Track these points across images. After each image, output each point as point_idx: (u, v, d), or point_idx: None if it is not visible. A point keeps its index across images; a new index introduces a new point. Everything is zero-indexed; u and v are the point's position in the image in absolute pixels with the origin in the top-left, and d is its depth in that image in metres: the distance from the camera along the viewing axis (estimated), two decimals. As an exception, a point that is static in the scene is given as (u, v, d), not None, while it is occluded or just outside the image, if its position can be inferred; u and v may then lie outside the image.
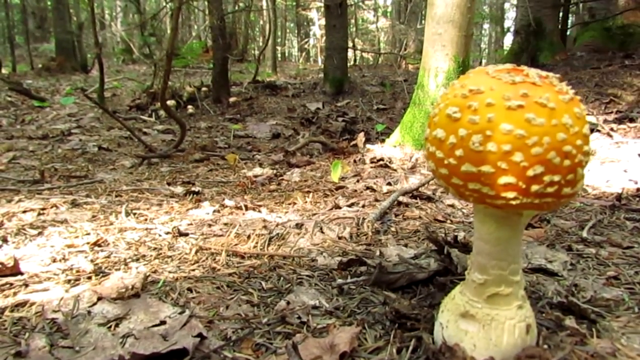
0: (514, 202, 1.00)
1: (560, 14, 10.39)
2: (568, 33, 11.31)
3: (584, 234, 2.22)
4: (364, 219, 2.43)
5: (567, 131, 0.98)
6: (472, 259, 1.21)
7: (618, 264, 1.87)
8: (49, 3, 19.32)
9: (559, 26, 10.21)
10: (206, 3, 9.69)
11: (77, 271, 1.74)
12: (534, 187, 0.98)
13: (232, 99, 8.48)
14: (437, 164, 1.09)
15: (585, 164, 1.04)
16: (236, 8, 14.38)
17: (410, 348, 1.22)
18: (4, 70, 14.80)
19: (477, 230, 1.17)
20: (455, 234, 1.96)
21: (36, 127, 6.47)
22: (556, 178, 0.99)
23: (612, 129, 5.19)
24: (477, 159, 1.00)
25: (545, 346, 1.19)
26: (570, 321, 1.34)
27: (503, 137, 0.97)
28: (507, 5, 25.26)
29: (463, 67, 4.33)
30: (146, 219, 2.52)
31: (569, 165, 0.99)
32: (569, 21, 12.01)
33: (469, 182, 1.03)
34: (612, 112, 5.99)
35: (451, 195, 1.09)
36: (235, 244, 2.07)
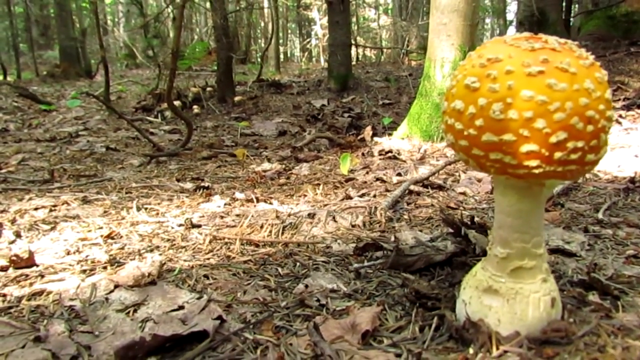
0: (536, 171, 0.98)
1: (564, 3, 10.32)
2: (572, 22, 11.22)
3: (600, 215, 2.19)
4: (376, 207, 2.41)
5: (590, 96, 0.97)
6: (493, 233, 1.19)
7: (637, 243, 1.84)
8: (52, 11, 19.44)
9: (563, 15, 10.13)
10: (208, 4, 9.70)
11: (92, 262, 1.74)
12: (557, 154, 0.97)
13: (237, 98, 8.47)
14: (456, 136, 1.07)
15: (608, 130, 1.02)
16: (238, 8, 14.38)
17: (433, 326, 1.21)
18: (8, 78, 14.90)
19: (498, 203, 1.15)
20: (472, 215, 1.94)
21: (43, 130, 6.49)
22: (580, 144, 0.97)
23: (620, 116, 5.14)
24: (498, 127, 0.98)
25: (571, 320, 1.17)
26: (593, 297, 1.32)
27: (524, 104, 0.96)
28: (508, -3, 25.12)
29: (469, 56, 4.30)
30: (158, 213, 2.52)
31: (592, 130, 0.97)
32: (573, 10, 11.92)
33: (490, 152, 1.01)
34: (619, 100, 5.94)
35: (471, 168, 1.07)
36: (249, 233, 2.06)
